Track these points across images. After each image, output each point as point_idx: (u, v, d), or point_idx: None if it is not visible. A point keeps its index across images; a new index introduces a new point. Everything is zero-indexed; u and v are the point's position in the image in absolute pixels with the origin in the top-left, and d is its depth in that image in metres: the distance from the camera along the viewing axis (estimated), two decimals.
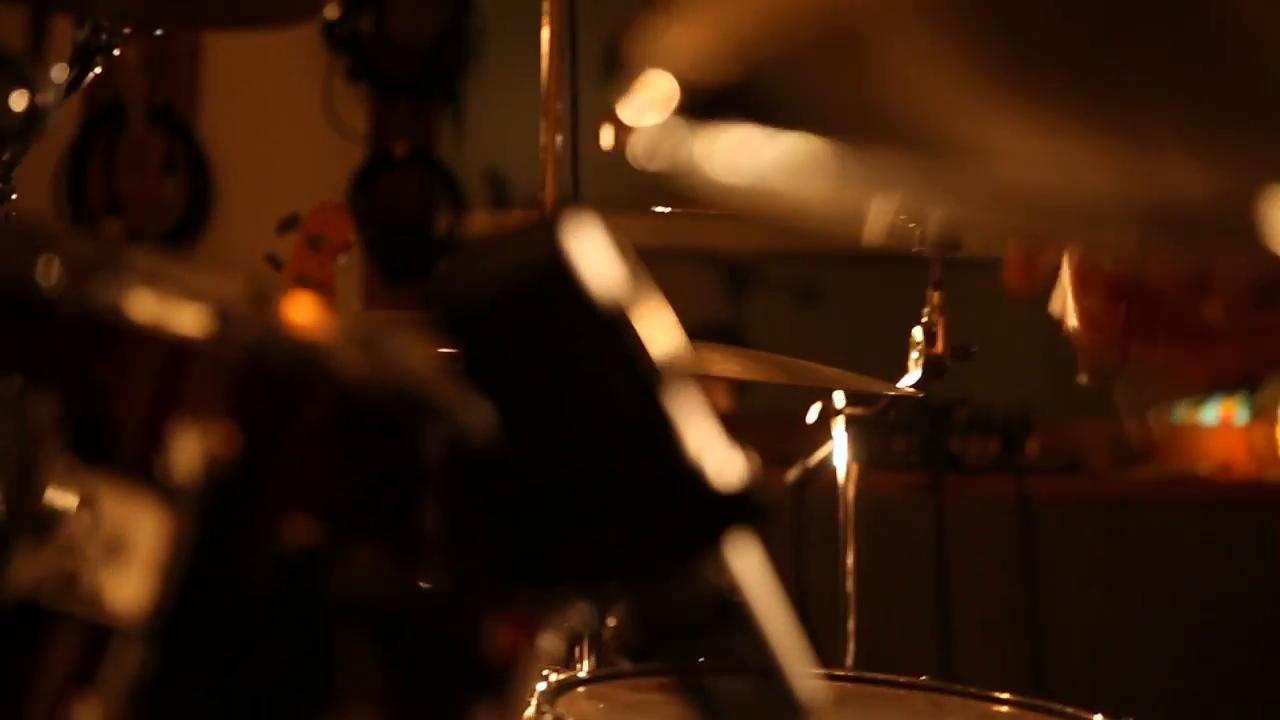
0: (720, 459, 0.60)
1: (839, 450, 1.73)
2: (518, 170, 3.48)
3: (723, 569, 0.60)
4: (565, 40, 1.88)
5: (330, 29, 3.31)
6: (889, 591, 2.81)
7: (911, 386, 1.51)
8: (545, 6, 1.86)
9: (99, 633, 0.57)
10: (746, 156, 0.41)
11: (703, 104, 0.39)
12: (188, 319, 0.60)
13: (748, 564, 0.61)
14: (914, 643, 2.84)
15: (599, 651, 1.32)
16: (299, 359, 0.61)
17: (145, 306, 0.60)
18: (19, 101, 0.93)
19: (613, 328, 0.58)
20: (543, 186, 1.88)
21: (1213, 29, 0.39)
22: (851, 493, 1.74)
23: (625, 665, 1.04)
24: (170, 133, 3.33)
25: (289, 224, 2.14)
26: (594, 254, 0.58)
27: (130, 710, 0.57)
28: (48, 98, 0.94)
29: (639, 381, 0.59)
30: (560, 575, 0.61)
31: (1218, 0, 0.38)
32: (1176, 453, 3.48)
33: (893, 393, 1.48)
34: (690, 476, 0.59)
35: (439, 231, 3.33)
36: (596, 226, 0.57)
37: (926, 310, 1.53)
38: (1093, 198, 0.46)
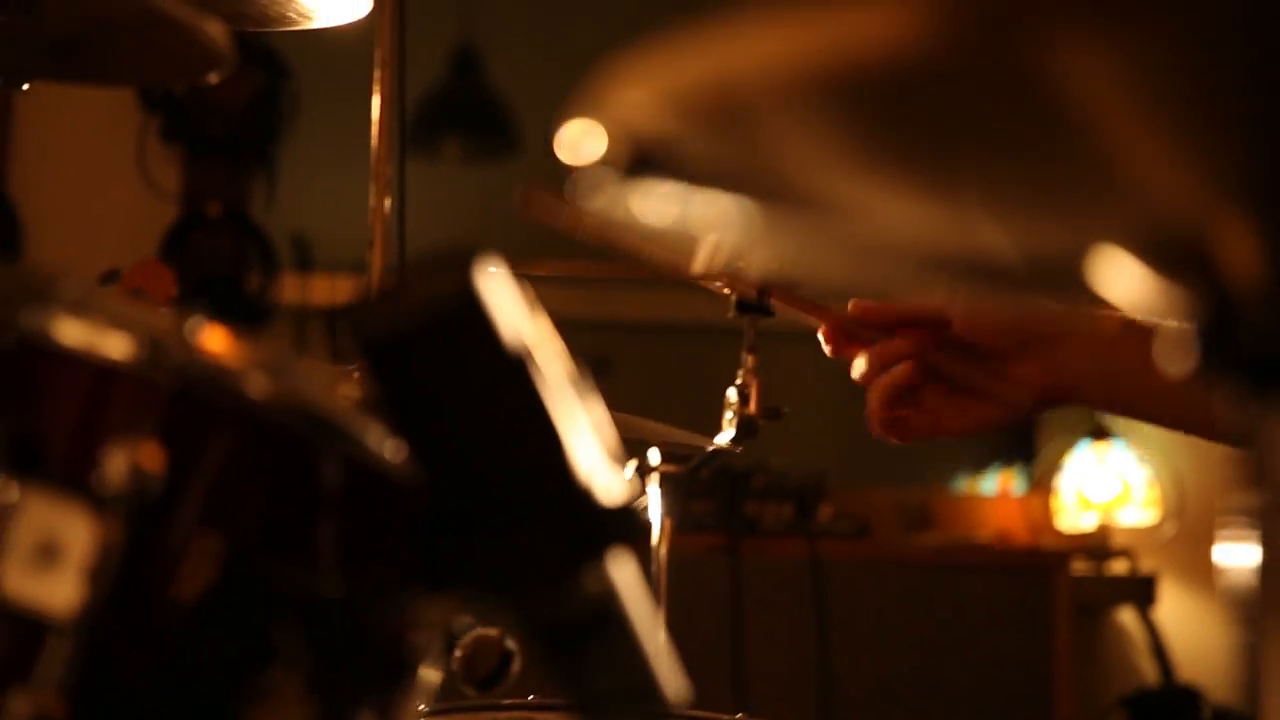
0: (605, 481, 0.67)
1: (653, 507, 1.81)
2: (323, 234, 3.51)
3: (603, 579, 0.67)
4: (394, 105, 1.95)
5: (144, 89, 3.30)
6: (688, 647, 2.89)
7: (728, 443, 1.60)
8: (376, 75, 1.92)
9: (34, 630, 0.62)
10: (663, 205, 0.50)
11: (633, 158, 0.47)
12: (115, 345, 0.66)
13: (625, 575, 0.68)
14: (712, 695, 2.92)
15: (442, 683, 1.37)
16: (217, 384, 0.66)
17: (74, 333, 0.66)
18: None
19: (516, 361, 0.65)
20: (370, 248, 1.93)
21: (1021, 122, 0.48)
22: (664, 549, 1.81)
23: (469, 697, 1.10)
24: None
25: (109, 279, 2.16)
26: (499, 291, 0.65)
27: (63, 704, 0.61)
28: None
29: (537, 410, 0.65)
30: (458, 584, 0.67)
31: (1030, 96, 0.47)
32: (958, 521, 3.66)
33: (710, 448, 1.57)
34: (579, 496, 0.66)
35: (250, 291, 3.33)
36: (501, 266, 0.64)
37: (741, 372, 1.62)
38: (924, 252, 0.56)
